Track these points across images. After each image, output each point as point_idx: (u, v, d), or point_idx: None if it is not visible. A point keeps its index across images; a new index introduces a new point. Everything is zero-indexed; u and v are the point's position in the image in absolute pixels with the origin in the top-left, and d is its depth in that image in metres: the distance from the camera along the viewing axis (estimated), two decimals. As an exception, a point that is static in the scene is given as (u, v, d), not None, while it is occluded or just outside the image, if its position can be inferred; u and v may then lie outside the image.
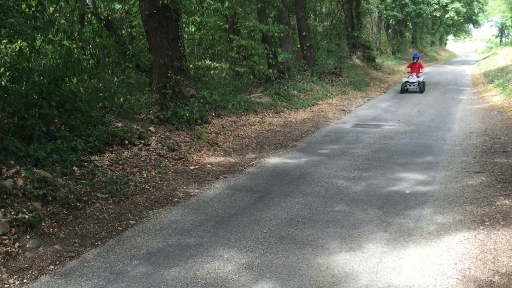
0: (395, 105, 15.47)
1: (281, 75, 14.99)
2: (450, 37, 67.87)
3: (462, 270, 4.21)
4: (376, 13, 33.13)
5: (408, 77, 19.12)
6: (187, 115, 9.50)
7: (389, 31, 38.23)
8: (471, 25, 58.66)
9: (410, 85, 18.81)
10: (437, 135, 10.30)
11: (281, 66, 15.21)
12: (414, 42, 43.15)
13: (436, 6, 41.80)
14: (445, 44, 68.67)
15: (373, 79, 22.66)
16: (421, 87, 18.93)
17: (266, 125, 11.52)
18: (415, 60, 19.38)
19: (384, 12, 33.85)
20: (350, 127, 11.74)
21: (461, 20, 49.86)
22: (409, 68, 19.57)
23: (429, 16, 41.53)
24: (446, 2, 42.93)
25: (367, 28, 31.91)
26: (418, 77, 18.99)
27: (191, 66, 11.84)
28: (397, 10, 34.80)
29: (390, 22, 37.91)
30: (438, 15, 44.90)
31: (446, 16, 46.01)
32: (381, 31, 37.03)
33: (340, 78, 19.58)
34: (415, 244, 4.82)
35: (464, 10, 46.38)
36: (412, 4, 35.85)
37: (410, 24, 40.94)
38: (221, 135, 9.98)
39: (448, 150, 8.92)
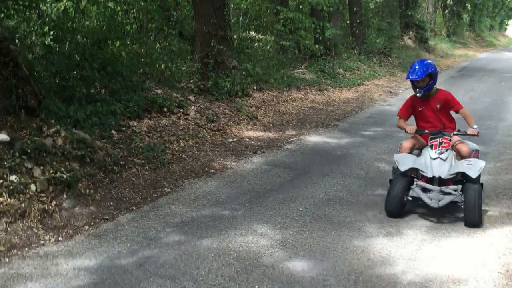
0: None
1: (328, 51, 14.53)
2: (511, 22, 64.19)
3: (506, 265, 3.99)
4: (434, -9, 31.58)
5: (408, 153, 5.15)
6: (228, 86, 9.37)
7: (446, 11, 36.42)
8: (534, 10, 55.14)
9: (427, 190, 4.84)
10: (489, 124, 9.75)
11: (328, 43, 14.74)
12: (471, 25, 41.00)
13: (499, -13, 39.38)
14: (505, 29, 64.96)
15: (423, 62, 21.76)
16: (472, 209, 4.64)
17: (309, 102, 11.25)
18: (425, 85, 5.09)
19: (443, -10, 32.21)
20: (396, 110, 11.29)
21: (525, 4, 46.86)
22: (410, 115, 5.51)
23: (491, -3, 39.25)
24: (510, -17, 40.34)
25: (423, 7, 30.47)
26: (451, 150, 5.02)
27: (235, 36, 11.61)
28: (457, -11, 32.97)
29: (448, 2, 36.07)
30: (500, -3, 42.36)
31: (509, -1, 43.35)
32: (437, 12, 35.34)
33: (389, 58, 18.84)
34: (458, 234, 4.58)
35: (529, -7, 43.47)
36: (473, -17, 33.86)
37: (469, 5, 38.83)
38: (261, 109, 9.82)
39: (499, 140, 8.43)
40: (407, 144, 5.29)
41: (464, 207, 4.72)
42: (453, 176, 4.87)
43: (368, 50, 18.14)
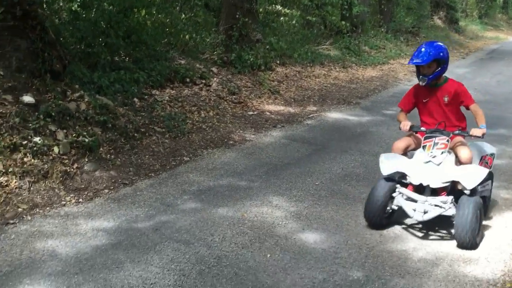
0: (473, 73, 14.41)
1: (354, 28, 14.28)
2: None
3: (518, 247, 3.96)
4: (467, -30, 30.50)
5: (397, 154, 4.38)
6: (251, 59, 9.34)
7: (479, -9, 35.19)
8: None
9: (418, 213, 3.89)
10: (515, 108, 9.55)
11: (355, 19, 14.49)
12: (505, 8, 39.57)
13: (536, -33, 37.74)
14: (540, 12, 62.53)
15: (452, 43, 21.14)
16: (462, 227, 3.69)
17: (332, 79, 11.13)
18: (431, 72, 4.21)
19: (476, -30, 31.10)
20: (420, 90, 11.09)
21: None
22: (412, 107, 4.59)
23: (526, -22, 37.72)
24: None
25: (455, -13, 29.51)
26: (449, 153, 4.11)
27: (261, 10, 11.51)
28: (491, -32, 31.79)
29: (481, -18, 34.81)
30: (536, -22, 40.61)
31: (546, -20, 41.53)
32: (470, -8, 34.18)
33: (417, 38, 18.40)
34: (473, 216, 4.52)
35: None
36: (508, -37, 32.52)
37: (503, -14, 37.42)
38: (283, 84, 9.77)
39: (525, 124, 8.25)
40: (399, 143, 4.42)
41: (454, 224, 3.78)
42: (447, 185, 3.94)
43: (396, 29, 17.74)
